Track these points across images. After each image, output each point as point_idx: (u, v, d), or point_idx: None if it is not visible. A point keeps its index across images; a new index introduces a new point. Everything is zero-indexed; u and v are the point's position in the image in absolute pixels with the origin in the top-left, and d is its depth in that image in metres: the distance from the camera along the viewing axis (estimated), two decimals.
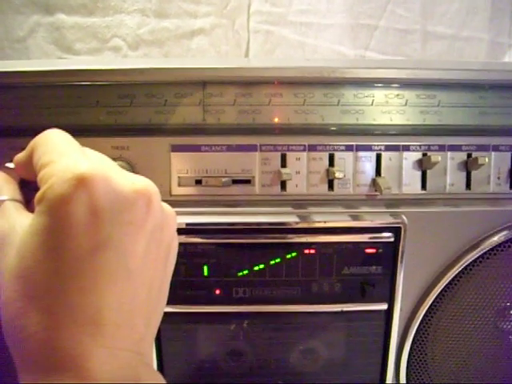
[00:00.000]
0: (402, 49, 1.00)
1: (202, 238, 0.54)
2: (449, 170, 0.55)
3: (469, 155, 0.56)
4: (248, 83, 0.54)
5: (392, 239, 0.55)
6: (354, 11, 0.98)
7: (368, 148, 0.55)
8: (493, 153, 0.56)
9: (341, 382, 0.61)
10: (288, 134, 0.54)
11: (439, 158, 0.53)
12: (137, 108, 0.53)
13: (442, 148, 0.55)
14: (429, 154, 0.55)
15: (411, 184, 0.55)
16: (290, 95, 0.54)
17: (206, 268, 0.55)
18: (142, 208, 0.31)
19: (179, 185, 0.54)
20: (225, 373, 0.60)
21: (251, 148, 0.54)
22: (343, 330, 0.59)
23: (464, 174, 0.56)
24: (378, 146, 0.55)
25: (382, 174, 0.55)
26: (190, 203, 0.54)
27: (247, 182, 0.54)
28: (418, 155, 0.55)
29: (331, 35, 0.98)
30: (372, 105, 0.55)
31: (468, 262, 0.56)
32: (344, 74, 0.53)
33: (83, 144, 0.34)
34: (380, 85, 0.55)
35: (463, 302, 0.58)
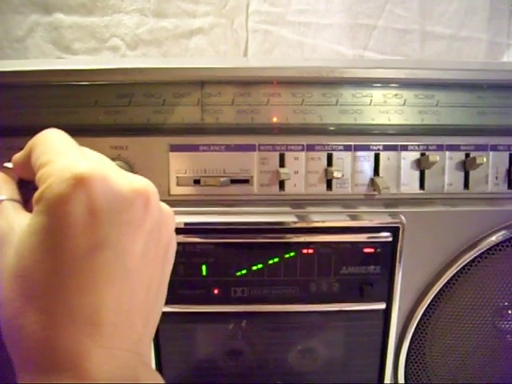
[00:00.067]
0: (401, 49, 1.01)
1: (200, 237, 0.54)
2: (447, 169, 0.56)
3: (467, 155, 0.56)
4: (246, 83, 0.54)
5: (390, 239, 0.55)
6: (353, 11, 0.98)
7: (366, 148, 0.55)
8: (491, 152, 0.56)
9: (339, 382, 0.61)
10: (286, 133, 0.54)
11: (437, 158, 0.53)
12: (135, 108, 0.53)
13: (440, 148, 0.55)
14: (427, 153, 0.55)
15: (409, 184, 0.56)
16: (288, 95, 0.54)
17: (204, 267, 0.55)
18: (140, 208, 0.31)
19: (178, 184, 0.54)
20: (223, 372, 0.60)
21: (249, 148, 0.54)
22: (341, 329, 0.59)
23: (462, 173, 0.56)
24: (376, 145, 0.55)
25: (381, 174, 0.55)
26: (188, 203, 0.54)
27: (245, 181, 0.54)
28: (416, 155, 0.55)
29: (330, 35, 0.98)
30: (370, 105, 0.55)
31: (466, 262, 0.56)
32: (342, 73, 0.53)
33: (82, 144, 0.34)
34: (378, 85, 0.55)
35: (461, 301, 0.58)
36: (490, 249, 0.56)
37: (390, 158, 0.55)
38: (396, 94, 0.55)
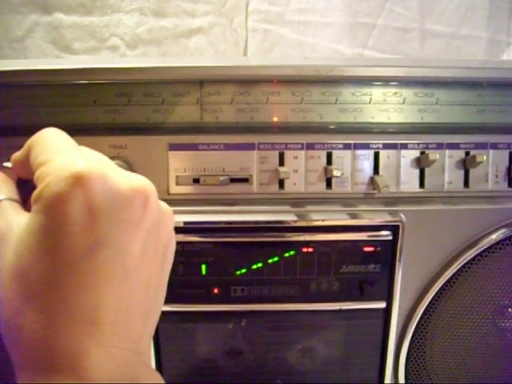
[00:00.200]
0: (401, 47, 1.00)
1: (199, 236, 0.54)
2: (447, 168, 0.55)
3: (467, 153, 0.56)
4: (246, 82, 0.54)
5: (390, 237, 0.55)
6: (352, 10, 0.98)
7: (366, 146, 0.55)
8: (491, 151, 0.56)
9: (339, 382, 0.61)
10: (286, 132, 0.54)
11: (437, 156, 0.53)
12: (134, 107, 0.53)
13: (440, 146, 0.55)
14: (427, 152, 0.55)
15: (409, 182, 0.55)
16: (287, 94, 0.54)
17: (204, 267, 0.55)
18: (139, 206, 0.31)
19: (177, 183, 0.54)
20: (223, 371, 0.60)
21: (249, 146, 0.54)
22: (341, 328, 0.59)
23: (462, 172, 0.56)
24: (375, 144, 0.55)
25: (380, 173, 0.55)
26: (187, 202, 0.54)
27: (245, 180, 0.54)
28: (416, 153, 0.55)
29: (329, 34, 0.98)
30: (370, 103, 0.55)
31: (466, 260, 0.56)
32: (342, 72, 0.53)
33: (81, 143, 0.34)
34: (378, 83, 0.55)
35: (461, 300, 0.58)
36: (490, 247, 0.56)
37: (390, 156, 0.55)
38: (396, 93, 0.55)
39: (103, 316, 0.28)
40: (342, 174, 0.54)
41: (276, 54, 0.98)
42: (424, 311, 0.58)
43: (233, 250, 0.55)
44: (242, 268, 0.55)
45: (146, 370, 0.31)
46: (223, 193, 0.54)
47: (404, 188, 0.56)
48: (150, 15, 0.93)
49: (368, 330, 0.59)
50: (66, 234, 0.28)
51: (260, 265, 0.55)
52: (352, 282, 0.56)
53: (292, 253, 0.55)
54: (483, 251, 0.56)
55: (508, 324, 0.60)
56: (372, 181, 0.55)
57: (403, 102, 0.55)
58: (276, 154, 0.54)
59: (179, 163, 0.54)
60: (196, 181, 0.54)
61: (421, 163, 0.55)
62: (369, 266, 0.56)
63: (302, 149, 0.54)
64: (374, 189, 0.55)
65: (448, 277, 0.57)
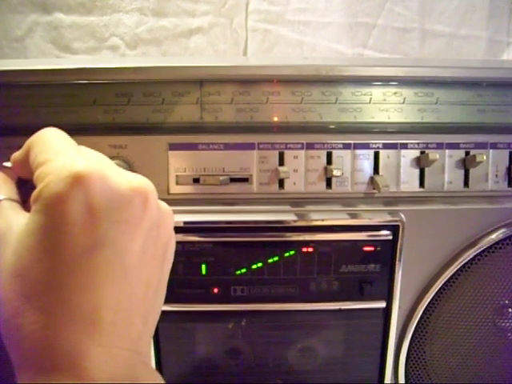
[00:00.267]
0: (400, 47, 1.00)
1: (199, 236, 0.54)
2: (447, 167, 0.55)
3: (467, 153, 0.56)
4: (246, 81, 0.54)
5: (390, 237, 0.55)
6: (352, 9, 0.98)
7: (366, 146, 0.55)
8: (491, 150, 0.56)
9: (339, 382, 0.61)
10: (286, 132, 0.54)
11: (437, 156, 0.53)
12: (134, 107, 0.53)
13: (440, 146, 0.55)
14: (427, 151, 0.55)
15: (409, 182, 0.55)
16: (287, 93, 0.54)
17: (203, 266, 0.55)
18: (138, 206, 0.31)
19: (177, 183, 0.54)
20: (223, 371, 0.60)
21: (249, 146, 0.54)
22: (341, 328, 0.59)
23: (462, 171, 0.56)
24: (375, 143, 0.55)
25: (380, 172, 0.55)
26: (187, 202, 0.54)
27: (245, 180, 0.54)
28: (415, 153, 0.55)
29: (329, 34, 0.98)
30: (370, 103, 0.55)
31: (466, 260, 0.56)
32: (342, 72, 0.53)
33: (80, 143, 0.34)
34: (378, 83, 0.55)
35: (461, 300, 0.58)
36: (490, 247, 0.56)
37: (390, 156, 0.55)
38: (395, 92, 0.55)
39: (103, 316, 0.28)
40: (342, 174, 0.54)
41: (276, 54, 0.98)
42: (424, 311, 0.58)
43: (233, 249, 0.55)
44: (242, 268, 0.55)
45: (145, 370, 0.31)
46: (223, 192, 0.54)
47: (404, 188, 0.55)
48: (149, 15, 0.93)
49: (368, 330, 0.59)
50: (65, 234, 0.28)
51: (260, 264, 0.55)
52: (352, 282, 0.56)
53: (292, 252, 0.55)
54: (483, 251, 0.56)
55: (508, 324, 0.60)
56: (372, 180, 0.55)
57: (403, 102, 0.55)
58: (276, 153, 0.54)
59: (179, 163, 0.54)
60: (196, 180, 0.54)
61: (421, 163, 0.55)
62: (369, 265, 0.56)
63: (301, 148, 0.54)
64: (373, 188, 0.55)
65: (448, 276, 0.57)
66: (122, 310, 0.30)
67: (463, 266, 0.57)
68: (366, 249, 0.55)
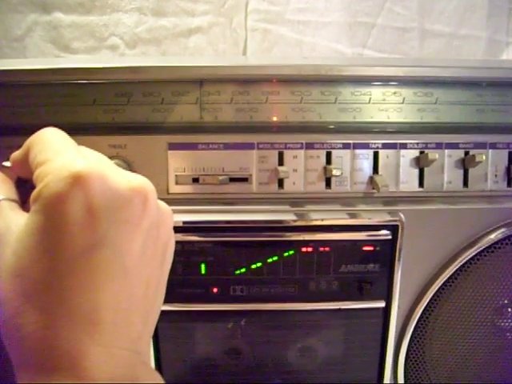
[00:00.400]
0: (400, 47, 1.00)
1: (199, 236, 0.54)
2: (446, 167, 0.55)
3: (466, 153, 0.56)
4: (245, 81, 0.54)
5: (389, 237, 0.55)
6: (352, 9, 0.98)
7: (365, 146, 0.55)
8: (490, 150, 0.56)
9: (339, 381, 0.61)
10: (285, 131, 0.54)
11: (436, 156, 0.53)
12: (134, 106, 0.53)
13: (439, 146, 0.55)
14: (426, 151, 0.55)
15: (408, 182, 0.55)
16: (287, 93, 0.54)
17: (203, 266, 0.55)
18: (138, 206, 0.31)
19: (176, 183, 0.54)
20: (222, 371, 0.60)
21: (248, 146, 0.54)
22: (341, 328, 0.59)
23: (461, 171, 0.56)
24: (375, 143, 0.55)
25: (380, 172, 0.55)
26: (187, 201, 0.54)
27: (244, 180, 0.54)
28: (415, 153, 0.55)
29: (329, 33, 0.98)
30: (369, 103, 0.55)
31: (465, 260, 0.56)
32: (341, 71, 0.53)
33: (80, 142, 0.34)
34: (377, 83, 0.55)
35: (461, 299, 0.58)
36: (489, 247, 0.56)
37: (389, 156, 0.55)
38: (395, 92, 0.55)
39: (103, 316, 0.28)
40: (342, 174, 0.54)
41: (275, 54, 0.98)
42: (423, 311, 0.58)
43: (232, 249, 0.55)
44: (242, 267, 0.55)
45: (145, 370, 0.31)
46: (222, 192, 0.54)
47: (403, 187, 0.56)
48: (149, 14, 0.93)
49: (367, 330, 0.59)
50: (65, 234, 0.28)
51: (259, 264, 0.55)
52: (351, 282, 0.56)
53: (291, 252, 0.55)
54: (482, 251, 0.56)
55: (507, 323, 0.60)
56: (371, 180, 0.55)
57: (402, 102, 0.55)
58: (275, 153, 0.54)
59: (179, 163, 0.54)
60: (195, 180, 0.54)
61: (420, 163, 0.55)
62: (368, 265, 0.56)
63: (301, 148, 0.54)
64: (373, 188, 0.55)
65: (447, 276, 0.57)
66: (121, 310, 0.30)
67: (462, 265, 0.57)
68: (366, 248, 0.55)
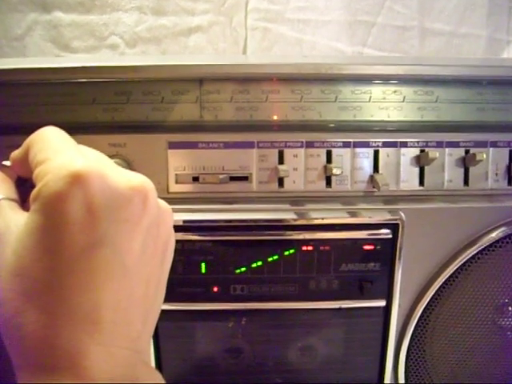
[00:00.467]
0: (400, 45, 1.00)
1: (199, 235, 0.54)
2: (447, 166, 0.55)
3: (467, 151, 0.55)
4: (245, 80, 0.53)
5: (390, 236, 0.55)
6: (352, 8, 0.98)
7: (366, 144, 0.55)
8: (491, 149, 0.56)
9: (339, 381, 0.61)
10: (285, 130, 0.54)
11: (437, 155, 0.53)
12: (134, 105, 0.53)
13: (439, 144, 0.55)
14: (426, 150, 0.55)
15: (409, 180, 0.55)
16: (287, 92, 0.54)
17: (203, 265, 0.55)
18: (138, 205, 0.31)
19: (176, 182, 0.54)
20: (223, 370, 0.60)
21: (248, 145, 0.54)
22: (341, 327, 0.59)
23: (462, 170, 0.56)
24: (375, 142, 0.55)
25: (380, 171, 0.55)
26: (187, 200, 0.54)
27: (244, 178, 0.54)
28: (415, 151, 0.55)
29: (329, 32, 0.98)
30: (369, 101, 0.55)
31: (466, 259, 0.56)
32: (341, 70, 0.53)
33: (80, 141, 0.34)
34: (378, 81, 0.55)
35: (461, 298, 0.58)
36: (490, 245, 0.56)
37: (390, 154, 0.55)
38: (395, 91, 0.55)
39: (103, 315, 0.28)
40: (342, 173, 0.54)
41: (275, 53, 0.98)
42: (424, 310, 0.58)
43: (232, 248, 0.55)
44: (242, 266, 0.55)
45: (145, 369, 0.31)
46: (223, 191, 0.54)
47: (404, 186, 0.55)
48: (149, 13, 0.93)
49: (368, 329, 0.59)
50: (64, 233, 0.28)
51: (260, 263, 0.55)
52: (352, 281, 0.56)
53: (292, 251, 0.55)
54: (483, 249, 0.56)
55: (508, 322, 0.60)
56: (372, 179, 0.55)
57: (403, 100, 0.55)
58: (275, 152, 0.54)
59: (179, 161, 0.54)
60: (195, 179, 0.54)
61: (420, 161, 0.55)
62: (368, 264, 0.56)
63: (301, 147, 0.54)
64: (373, 187, 0.55)
65: (448, 275, 0.57)
66: (121, 309, 0.30)
67: (463, 264, 0.57)
68: (366, 247, 0.55)
